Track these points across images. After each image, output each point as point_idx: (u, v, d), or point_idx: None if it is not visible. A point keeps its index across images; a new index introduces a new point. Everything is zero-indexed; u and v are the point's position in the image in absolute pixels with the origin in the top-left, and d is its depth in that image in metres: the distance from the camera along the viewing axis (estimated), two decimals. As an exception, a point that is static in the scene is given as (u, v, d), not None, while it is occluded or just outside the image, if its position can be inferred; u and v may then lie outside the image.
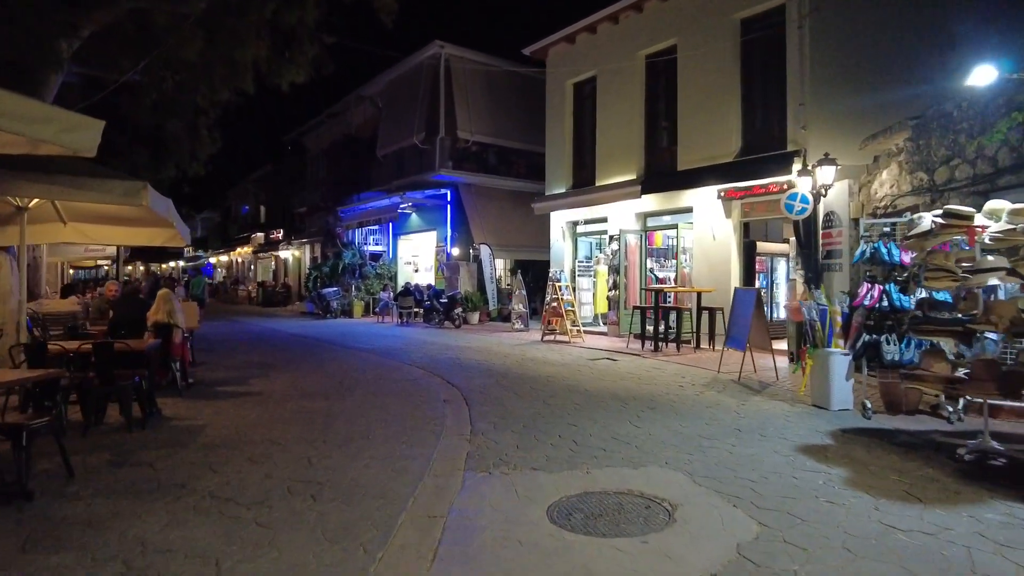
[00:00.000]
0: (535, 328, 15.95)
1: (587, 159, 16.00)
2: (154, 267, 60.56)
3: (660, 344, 11.52)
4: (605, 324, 14.78)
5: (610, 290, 14.25)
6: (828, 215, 10.29)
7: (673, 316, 11.98)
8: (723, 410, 6.70)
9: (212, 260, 48.05)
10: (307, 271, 27.35)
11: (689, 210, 13.12)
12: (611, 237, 14.44)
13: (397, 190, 20.69)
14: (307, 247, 31.30)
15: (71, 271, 37.78)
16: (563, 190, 16.17)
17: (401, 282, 21.58)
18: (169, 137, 11.17)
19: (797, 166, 10.70)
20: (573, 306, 13.37)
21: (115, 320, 7.51)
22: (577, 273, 16.03)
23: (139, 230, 8.47)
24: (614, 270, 14.16)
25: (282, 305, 29.53)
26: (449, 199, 20.47)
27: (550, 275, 16.06)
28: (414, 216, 22.50)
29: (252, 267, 41.07)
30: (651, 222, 14.39)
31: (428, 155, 20.21)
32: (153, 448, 5.21)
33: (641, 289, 13.67)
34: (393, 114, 22.58)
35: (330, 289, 22.15)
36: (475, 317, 18.39)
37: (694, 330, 11.87)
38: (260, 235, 37.61)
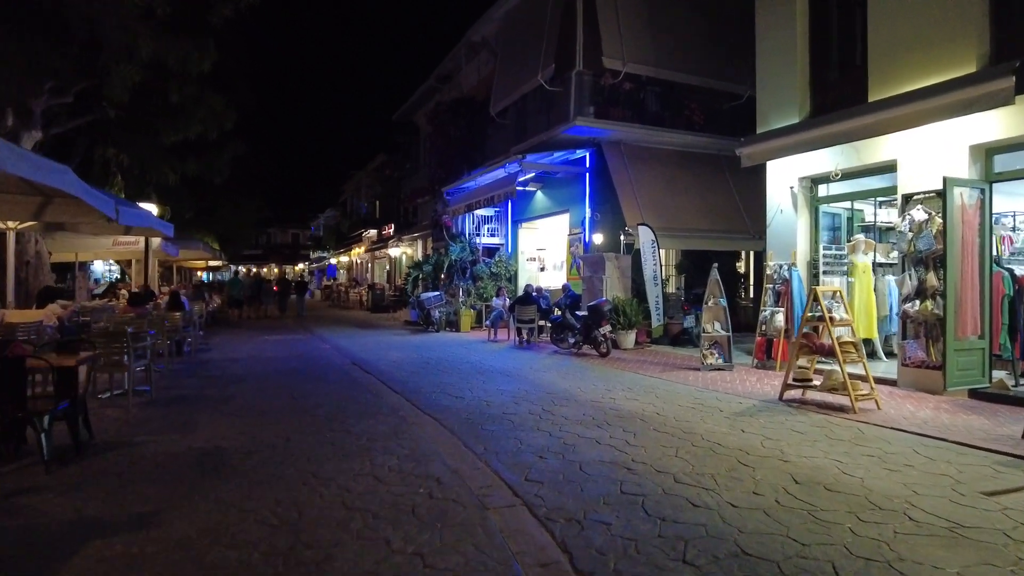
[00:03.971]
0: (739, 363, 9.36)
1: (840, 62, 9.05)
2: (287, 269, 60.55)
3: None
4: (901, 361, 7.73)
5: (909, 299, 7.28)
6: None
7: None
8: None
9: (333, 261, 45.79)
10: (407, 270, 22.53)
11: None
12: (907, 198, 7.47)
13: (514, 155, 14.82)
14: (419, 242, 26.72)
15: (199, 274, 35.95)
16: (795, 120, 9.25)
17: (522, 284, 15.65)
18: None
19: None
20: (855, 332, 6.58)
21: None
22: (822, 268, 9.08)
23: None
24: (917, 261, 7.20)
25: (392, 311, 24.91)
26: (588, 164, 14.27)
27: (768, 271, 9.40)
28: (539, 195, 16.58)
29: (369, 267, 37.74)
30: (1005, 162, 7.25)
31: (559, 102, 14.09)
32: None
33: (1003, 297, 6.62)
34: (512, 54, 16.70)
35: (430, 294, 16.88)
36: (629, 338, 12.04)
37: None
38: (373, 232, 33.91)
